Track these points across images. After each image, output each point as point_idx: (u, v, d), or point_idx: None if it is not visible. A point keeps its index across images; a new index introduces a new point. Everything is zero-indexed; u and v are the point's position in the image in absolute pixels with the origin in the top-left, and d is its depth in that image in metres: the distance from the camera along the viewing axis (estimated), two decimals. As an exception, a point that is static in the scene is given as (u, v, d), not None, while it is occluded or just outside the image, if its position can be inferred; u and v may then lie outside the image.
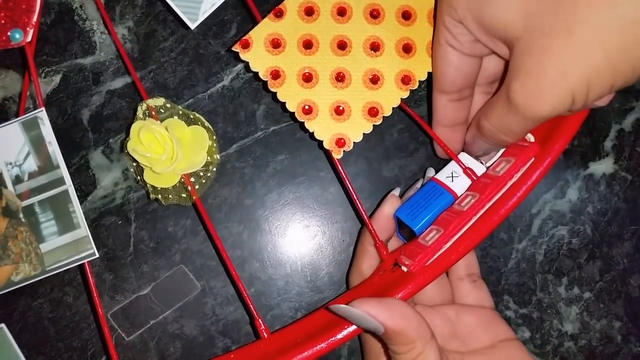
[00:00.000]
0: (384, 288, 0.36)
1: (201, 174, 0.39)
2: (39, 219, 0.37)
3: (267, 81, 0.38)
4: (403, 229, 0.40)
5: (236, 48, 0.38)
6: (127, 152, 0.39)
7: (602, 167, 0.46)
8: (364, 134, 0.38)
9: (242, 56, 0.38)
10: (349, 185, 0.39)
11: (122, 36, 0.44)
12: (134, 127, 0.38)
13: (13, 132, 0.38)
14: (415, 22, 0.39)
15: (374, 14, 0.38)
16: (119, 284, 0.43)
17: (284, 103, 0.38)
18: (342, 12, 0.38)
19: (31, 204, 0.37)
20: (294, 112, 0.38)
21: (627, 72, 0.27)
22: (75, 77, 0.44)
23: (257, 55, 0.38)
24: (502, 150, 0.39)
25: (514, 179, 0.37)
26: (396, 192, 0.42)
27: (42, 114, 0.38)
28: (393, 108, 0.38)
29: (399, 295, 0.35)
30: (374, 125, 0.38)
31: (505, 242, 0.45)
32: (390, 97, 0.38)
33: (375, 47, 0.38)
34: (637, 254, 0.45)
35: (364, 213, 0.39)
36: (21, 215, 0.37)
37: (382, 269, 0.39)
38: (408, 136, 0.45)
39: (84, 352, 0.43)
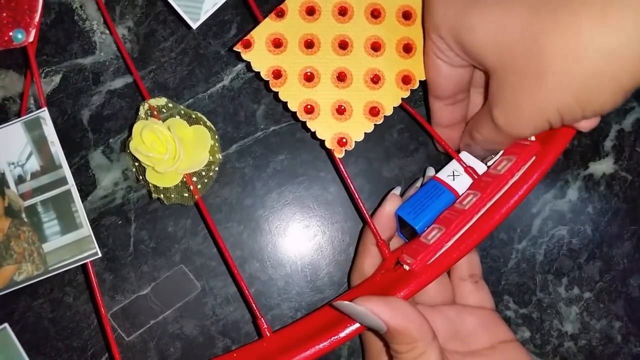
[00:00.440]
0: (386, 287, 0.36)
1: (203, 173, 0.39)
2: (42, 219, 0.37)
3: (268, 81, 0.38)
4: (404, 227, 0.40)
5: (238, 48, 0.38)
6: (129, 152, 0.39)
7: (602, 167, 0.46)
8: (365, 133, 0.38)
9: (244, 56, 0.38)
10: (351, 185, 0.39)
11: (122, 36, 0.44)
12: (136, 127, 0.38)
13: (15, 132, 0.38)
14: (415, 22, 0.39)
15: (375, 14, 0.39)
16: (119, 284, 0.43)
17: (286, 103, 0.38)
18: (343, 11, 0.38)
19: (34, 204, 0.37)
20: (295, 112, 0.38)
21: (594, 108, 0.31)
22: (75, 77, 0.44)
23: (258, 55, 0.38)
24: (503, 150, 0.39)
25: (515, 178, 0.37)
26: (397, 191, 0.42)
27: (44, 113, 0.38)
28: (394, 107, 0.38)
29: (402, 293, 0.35)
30: (375, 124, 0.38)
31: (505, 242, 0.45)
32: (391, 97, 0.38)
33: (376, 47, 0.39)
34: (637, 254, 0.45)
35: (365, 212, 0.39)
36: (24, 215, 0.37)
37: (384, 267, 0.39)
38: (408, 136, 0.45)
39: (84, 352, 0.43)
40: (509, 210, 0.36)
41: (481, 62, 0.34)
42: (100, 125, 0.44)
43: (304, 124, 0.38)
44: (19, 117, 0.38)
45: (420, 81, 0.39)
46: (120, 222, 0.44)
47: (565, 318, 0.45)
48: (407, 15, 0.39)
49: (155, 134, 0.38)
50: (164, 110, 0.40)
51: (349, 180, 0.39)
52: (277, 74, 0.38)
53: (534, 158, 0.37)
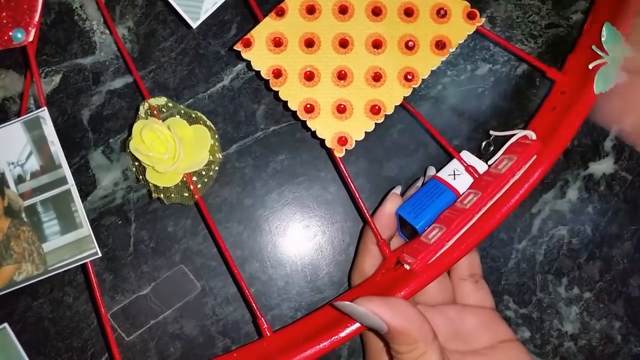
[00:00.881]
0: (387, 286, 0.36)
1: (203, 173, 0.39)
2: (42, 219, 0.37)
3: (268, 80, 0.38)
4: (405, 227, 0.40)
5: (238, 47, 0.38)
6: (129, 152, 0.39)
7: (602, 167, 0.46)
8: (365, 132, 0.38)
9: (244, 55, 0.38)
10: (351, 184, 0.39)
11: (122, 36, 0.44)
12: (136, 127, 0.38)
13: (15, 132, 0.38)
14: (417, 18, 0.39)
15: (376, 11, 0.39)
16: (119, 284, 0.43)
17: (286, 102, 0.38)
18: (343, 10, 0.38)
19: (33, 204, 0.37)
20: (295, 111, 0.38)
21: None
22: (75, 77, 0.44)
23: (258, 54, 0.38)
24: (504, 148, 0.39)
25: (516, 177, 0.37)
26: (397, 190, 0.42)
27: (44, 113, 0.38)
28: (395, 107, 0.38)
29: (402, 293, 0.35)
30: (376, 123, 0.38)
31: (505, 242, 0.45)
32: (392, 95, 0.38)
33: (377, 45, 0.38)
34: (637, 254, 0.45)
35: (366, 211, 0.38)
36: (23, 215, 0.37)
37: (385, 267, 0.39)
38: (408, 136, 0.45)
39: (84, 352, 0.43)
40: (510, 209, 0.36)
41: None
42: (100, 125, 0.44)
43: (304, 123, 0.38)
44: (19, 117, 0.38)
45: (423, 79, 0.38)
46: (120, 222, 0.43)
47: (565, 318, 0.45)
48: (409, 12, 0.39)
49: (155, 133, 0.38)
50: (164, 110, 0.40)
51: (349, 180, 0.39)
52: (277, 73, 0.38)
53: (534, 157, 0.37)
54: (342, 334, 0.34)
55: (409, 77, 0.38)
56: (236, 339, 0.43)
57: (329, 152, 0.39)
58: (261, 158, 0.44)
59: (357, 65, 0.38)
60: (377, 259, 0.40)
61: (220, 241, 0.38)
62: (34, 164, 0.37)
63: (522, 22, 0.46)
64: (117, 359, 0.37)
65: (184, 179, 0.39)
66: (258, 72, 0.38)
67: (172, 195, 0.39)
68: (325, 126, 0.38)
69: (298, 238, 0.44)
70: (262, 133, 0.44)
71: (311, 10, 0.38)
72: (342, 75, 0.38)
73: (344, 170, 0.39)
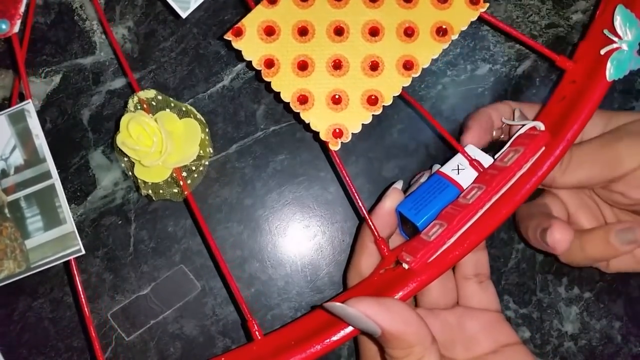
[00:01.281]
0: (384, 287, 0.35)
1: (193, 168, 0.39)
2: (25, 214, 0.36)
3: (260, 70, 0.36)
4: (406, 225, 0.38)
5: (228, 36, 0.37)
6: (117, 147, 0.38)
7: (602, 167, 0.46)
8: (363, 125, 0.36)
9: (234, 44, 0.37)
10: (346, 177, 0.37)
11: (122, 36, 0.44)
12: (123, 120, 0.37)
13: None
14: (417, 4, 0.37)
15: None
16: (119, 284, 0.43)
17: (279, 93, 0.36)
18: None
19: (17, 199, 0.36)
20: (288, 103, 0.36)
21: None
22: (75, 77, 0.44)
23: (250, 44, 0.36)
24: (511, 141, 0.37)
25: (523, 170, 0.35)
26: (399, 185, 0.39)
27: (28, 106, 0.37)
28: (395, 107, 0.37)
29: (400, 294, 0.33)
30: (373, 114, 0.36)
31: (505, 242, 0.45)
32: (390, 85, 0.36)
33: (374, 32, 0.37)
34: (637, 254, 0.45)
35: (363, 208, 0.37)
36: (6, 211, 0.36)
37: (383, 267, 0.37)
38: (408, 136, 0.45)
39: (84, 352, 0.43)
40: (517, 204, 0.34)
41: None
42: (100, 125, 0.44)
43: (297, 115, 0.37)
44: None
45: (424, 68, 0.37)
46: (120, 222, 0.43)
47: (565, 318, 0.45)
48: None
49: (142, 126, 0.36)
50: (154, 103, 0.39)
51: (344, 173, 0.37)
52: (270, 63, 0.36)
53: (543, 149, 0.35)
54: (335, 338, 0.32)
55: (408, 66, 0.37)
56: (236, 339, 0.43)
57: (324, 146, 0.37)
58: (261, 158, 0.44)
59: (353, 54, 0.37)
60: (375, 258, 0.38)
61: (209, 238, 0.37)
62: (18, 158, 0.37)
63: (522, 22, 0.46)
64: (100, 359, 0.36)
65: (174, 174, 0.38)
66: (258, 72, 0.37)
67: (161, 191, 0.38)
68: (319, 118, 0.36)
69: (298, 238, 0.44)
70: (262, 133, 0.44)
71: None
72: (337, 65, 0.37)
73: (338, 163, 0.37)
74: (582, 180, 0.38)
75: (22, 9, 0.38)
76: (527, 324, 0.45)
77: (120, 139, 0.37)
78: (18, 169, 0.36)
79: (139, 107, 0.38)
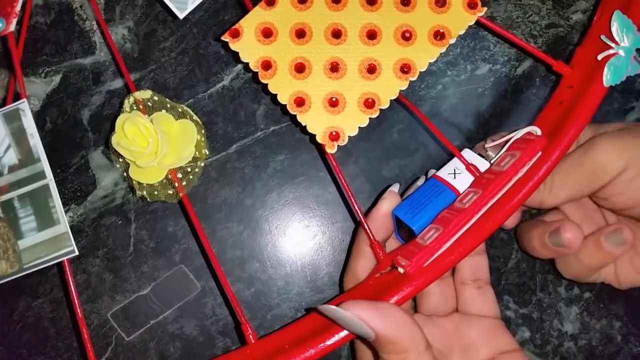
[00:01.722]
0: (380, 291, 0.34)
1: (188, 169, 0.38)
2: (18, 214, 0.36)
3: (257, 72, 0.36)
4: (402, 229, 0.38)
5: (225, 38, 0.37)
6: (112, 147, 0.37)
7: (602, 167, 0.46)
8: (360, 127, 0.36)
9: (232, 46, 0.36)
10: (342, 180, 0.37)
11: (122, 36, 0.44)
12: (119, 120, 0.37)
13: None
14: (415, 7, 0.37)
15: (371, 1, 0.37)
16: (119, 284, 0.43)
17: (275, 95, 0.36)
18: None
19: (10, 199, 0.36)
20: (285, 105, 0.36)
21: None
22: (75, 77, 0.44)
23: (247, 45, 0.37)
24: (508, 144, 0.37)
25: (520, 174, 0.35)
26: (395, 188, 0.40)
27: (23, 105, 0.36)
28: (394, 107, 0.37)
29: (395, 298, 0.33)
30: (370, 117, 0.36)
31: (505, 242, 0.45)
32: (388, 88, 0.37)
33: (372, 35, 0.37)
34: (637, 254, 0.45)
35: (359, 211, 0.37)
36: (0, 211, 0.36)
37: (378, 270, 0.37)
38: (408, 136, 0.45)
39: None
40: (513, 209, 0.34)
41: None
42: (100, 125, 0.44)
43: (294, 117, 0.37)
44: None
45: (421, 71, 0.37)
46: (120, 222, 0.44)
47: (565, 318, 0.45)
48: (405, 1, 0.37)
49: (138, 127, 0.36)
50: (150, 104, 0.38)
51: (340, 175, 0.37)
52: (267, 65, 0.36)
53: (539, 154, 0.35)
54: (330, 342, 0.32)
55: (406, 69, 0.37)
56: (236, 339, 0.43)
57: (320, 149, 0.37)
58: (261, 158, 0.44)
59: (350, 56, 0.37)
60: (371, 262, 0.38)
61: (203, 239, 0.37)
62: (12, 157, 0.36)
63: (522, 22, 0.46)
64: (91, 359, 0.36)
65: (169, 175, 0.38)
66: (255, 74, 0.37)
67: (156, 192, 0.38)
68: (316, 120, 0.36)
69: (298, 238, 0.44)
70: (262, 133, 0.44)
71: None
72: (334, 67, 0.37)
73: (335, 166, 0.37)
74: (571, 195, 0.38)
75: (18, 7, 0.38)
76: (527, 324, 0.45)
77: (116, 140, 0.37)
78: (12, 169, 0.36)
79: (134, 108, 0.38)
